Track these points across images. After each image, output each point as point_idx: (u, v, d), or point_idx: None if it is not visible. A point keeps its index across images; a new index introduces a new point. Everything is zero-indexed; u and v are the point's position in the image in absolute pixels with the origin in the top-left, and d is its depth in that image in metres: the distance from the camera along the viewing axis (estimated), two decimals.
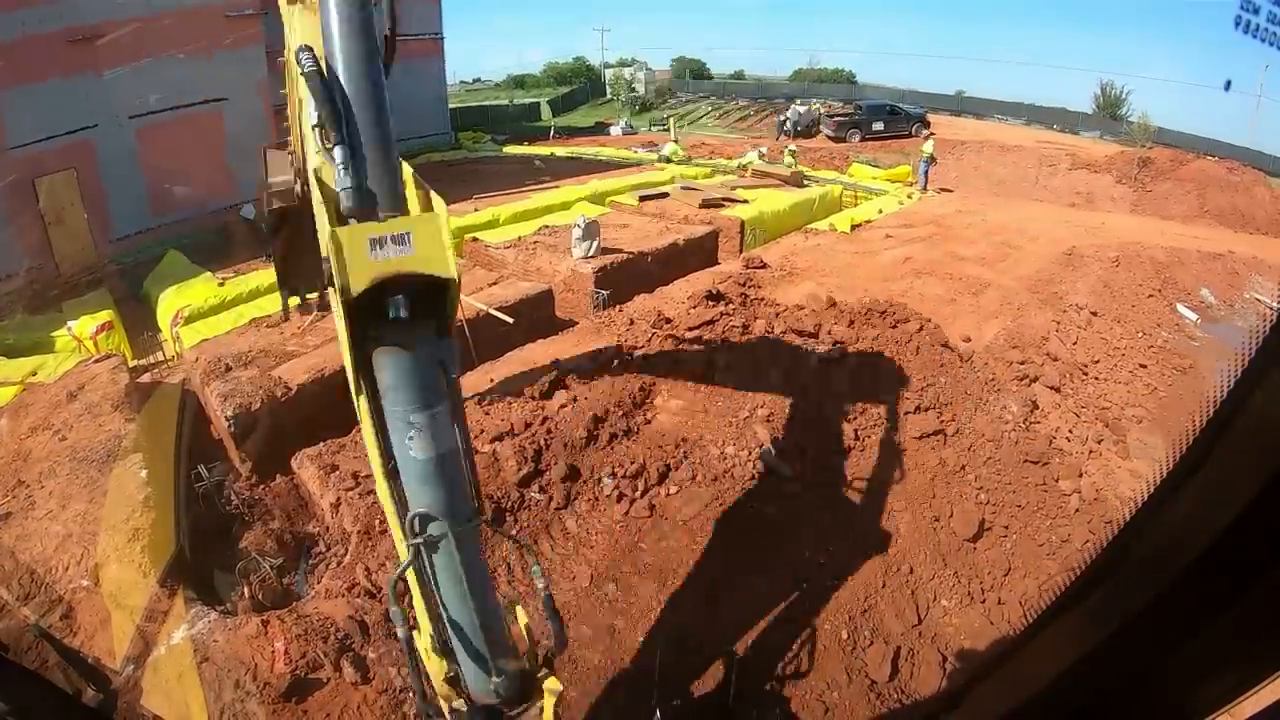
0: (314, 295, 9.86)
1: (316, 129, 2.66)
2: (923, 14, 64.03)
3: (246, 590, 6.65)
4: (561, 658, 5.74)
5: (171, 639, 5.77)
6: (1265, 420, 1.14)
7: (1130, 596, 1.40)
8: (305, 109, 2.86)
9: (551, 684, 3.03)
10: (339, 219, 2.61)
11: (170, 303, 12.61)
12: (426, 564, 2.80)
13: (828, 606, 6.58)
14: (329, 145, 2.63)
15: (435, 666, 2.95)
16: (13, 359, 10.82)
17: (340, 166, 2.62)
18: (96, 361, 10.14)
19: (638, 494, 7.31)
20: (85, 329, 11.71)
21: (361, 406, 2.77)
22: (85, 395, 8.91)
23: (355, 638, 5.74)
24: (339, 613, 5.88)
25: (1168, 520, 1.37)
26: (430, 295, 2.58)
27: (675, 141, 27.71)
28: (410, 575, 2.82)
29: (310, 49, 2.72)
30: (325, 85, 2.67)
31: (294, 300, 9.79)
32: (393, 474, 2.81)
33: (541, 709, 3.03)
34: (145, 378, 10.32)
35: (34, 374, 10.17)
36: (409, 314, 2.55)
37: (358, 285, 2.40)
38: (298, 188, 6.40)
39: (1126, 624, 1.38)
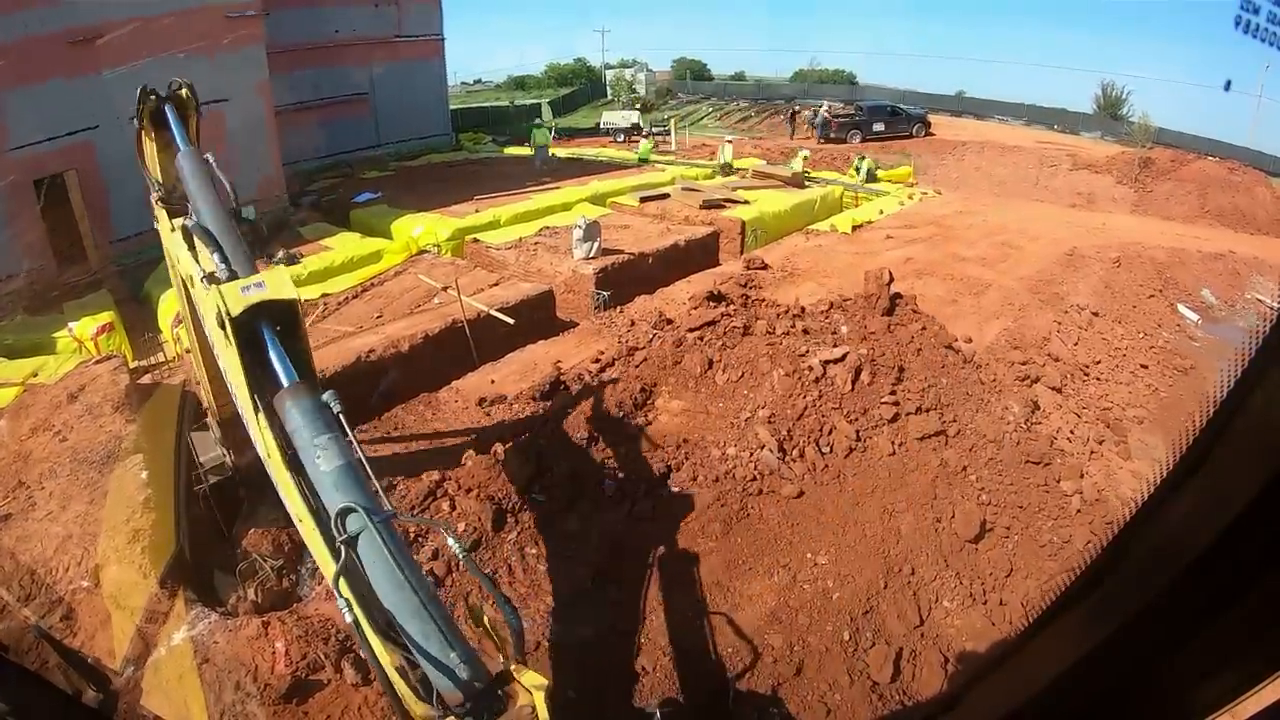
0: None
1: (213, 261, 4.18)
2: (923, 15, 64.09)
3: (248, 591, 6.64)
4: (562, 659, 5.74)
5: (172, 640, 5.76)
6: (1265, 420, 1.13)
7: (1130, 596, 1.39)
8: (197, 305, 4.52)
9: (533, 679, 2.99)
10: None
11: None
12: (356, 561, 3.15)
13: (829, 607, 6.57)
14: (211, 255, 4.15)
15: (383, 652, 2.98)
16: (13, 360, 10.81)
17: (219, 264, 4.08)
18: (97, 362, 10.12)
19: (639, 495, 7.30)
20: (86, 330, 11.71)
21: (261, 422, 3.65)
22: (86, 396, 8.89)
23: (356, 639, 5.72)
24: (340, 614, 5.86)
25: (1168, 520, 1.36)
26: (288, 322, 3.91)
27: (648, 138, 28.23)
28: (344, 588, 3.03)
29: (192, 221, 4.51)
30: (205, 229, 4.36)
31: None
32: (294, 465, 3.51)
33: (534, 709, 2.97)
34: (146, 378, 10.31)
35: (35, 375, 10.16)
36: (275, 337, 3.82)
37: (235, 310, 3.67)
38: (228, 459, 7.26)
39: (1126, 624, 1.37)
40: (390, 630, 3.09)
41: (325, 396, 3.56)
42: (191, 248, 4.37)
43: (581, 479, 7.37)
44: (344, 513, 3.16)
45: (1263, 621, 1.17)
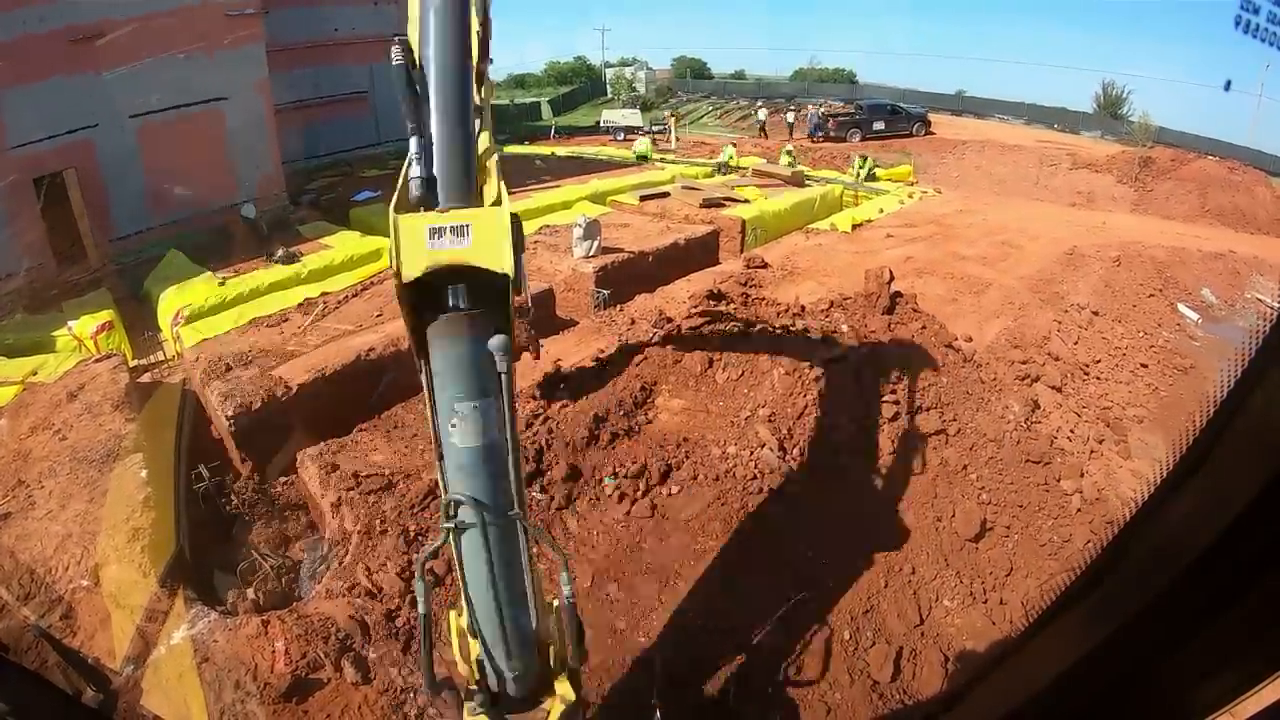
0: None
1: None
2: (923, 14, 64.07)
3: (248, 590, 6.64)
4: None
5: (171, 639, 5.76)
6: (1265, 420, 1.14)
7: (1130, 596, 1.40)
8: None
9: (563, 689, 3.03)
10: (406, 207, 2.63)
11: (171, 302, 12.61)
12: (457, 548, 2.88)
13: (830, 607, 6.57)
14: (411, 153, 2.69)
15: (470, 646, 3.02)
16: (13, 359, 10.81)
17: (413, 156, 2.67)
18: (97, 361, 10.13)
19: (639, 494, 7.30)
20: (86, 328, 11.71)
21: (425, 376, 2.82)
22: (85, 395, 8.90)
23: (356, 638, 5.73)
24: (340, 613, 5.87)
25: (1168, 520, 1.36)
26: (492, 288, 2.64)
27: (647, 135, 28.16)
28: (454, 557, 2.90)
29: (404, 41, 2.78)
30: (408, 78, 2.73)
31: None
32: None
33: (548, 714, 3.03)
34: (145, 377, 10.32)
35: (34, 374, 10.17)
36: (467, 304, 2.62)
37: (410, 272, 2.47)
38: None
39: (1126, 624, 1.38)
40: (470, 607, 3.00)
41: (493, 343, 2.63)
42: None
43: (581, 478, 7.37)
44: (456, 504, 2.78)
45: (1263, 621, 1.18)
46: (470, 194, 2.71)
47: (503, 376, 2.65)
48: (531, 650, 3.07)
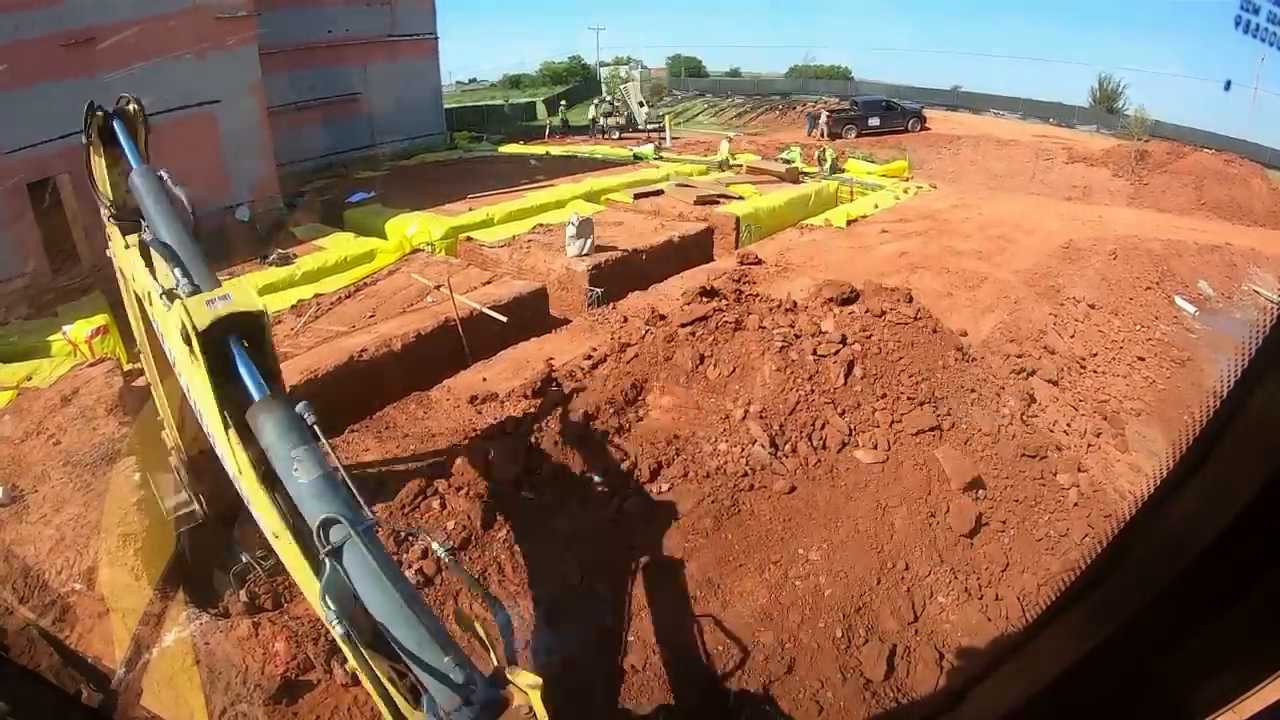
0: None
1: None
2: (919, 10, 64.03)
3: (240, 592, 6.60)
4: (552, 657, 5.73)
5: (164, 642, 5.75)
6: (1265, 420, 1.14)
7: (1130, 596, 1.41)
8: (152, 304, 4.36)
9: (527, 679, 2.96)
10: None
11: None
12: (342, 573, 3.02)
13: (821, 604, 6.54)
14: (171, 270, 4.00)
15: (376, 663, 2.92)
16: (8, 364, 10.78)
17: (181, 280, 3.93)
18: (91, 365, 10.10)
19: (630, 491, 7.27)
20: (80, 333, 11.68)
21: (231, 439, 3.53)
22: (80, 399, 8.88)
23: (345, 650, 5.70)
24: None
25: (1168, 520, 1.38)
26: (254, 335, 3.75)
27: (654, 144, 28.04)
28: (330, 600, 2.92)
29: (149, 236, 4.39)
30: (164, 244, 4.21)
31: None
32: (267, 481, 3.42)
33: (531, 709, 2.95)
34: (140, 381, 10.28)
35: (29, 378, 10.14)
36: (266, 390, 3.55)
37: (203, 324, 3.51)
38: (196, 507, 6.68)
39: (1127, 623, 1.39)
40: (377, 640, 3.01)
41: (299, 408, 3.43)
42: (149, 264, 4.30)
43: (571, 476, 7.34)
44: (326, 524, 3.07)
45: (1263, 621, 1.19)
46: (215, 282, 4.02)
47: (314, 426, 3.37)
48: (450, 636, 3.06)
